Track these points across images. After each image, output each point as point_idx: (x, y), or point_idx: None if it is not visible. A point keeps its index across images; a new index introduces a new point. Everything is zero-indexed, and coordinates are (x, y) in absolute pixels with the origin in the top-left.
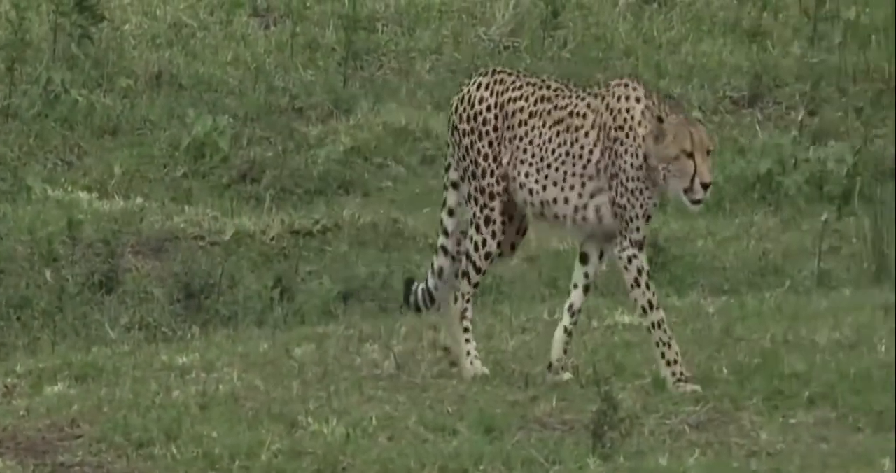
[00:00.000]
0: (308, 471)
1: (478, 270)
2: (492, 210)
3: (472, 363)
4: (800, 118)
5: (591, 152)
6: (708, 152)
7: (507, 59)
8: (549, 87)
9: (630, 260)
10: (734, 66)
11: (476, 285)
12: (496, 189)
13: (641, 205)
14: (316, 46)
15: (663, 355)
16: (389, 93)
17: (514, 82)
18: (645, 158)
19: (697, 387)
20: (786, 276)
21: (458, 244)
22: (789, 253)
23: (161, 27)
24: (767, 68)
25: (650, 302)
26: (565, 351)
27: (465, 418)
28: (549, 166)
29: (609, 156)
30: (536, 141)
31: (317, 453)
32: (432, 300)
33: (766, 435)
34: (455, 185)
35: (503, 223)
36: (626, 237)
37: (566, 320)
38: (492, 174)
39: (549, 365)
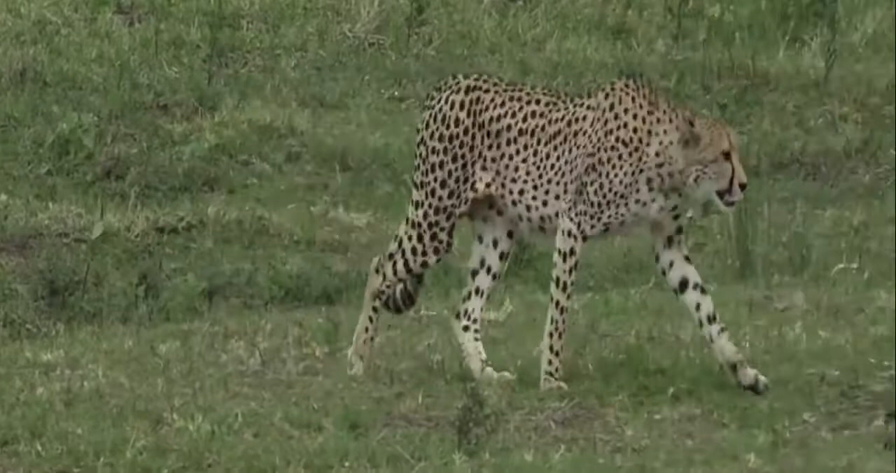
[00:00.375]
0: (173, 468)
1: (408, 271)
2: (441, 229)
3: (365, 343)
4: None
5: (584, 147)
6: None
7: (372, 56)
8: (538, 102)
9: (570, 234)
10: (599, 62)
11: (400, 280)
12: (458, 210)
13: (611, 216)
14: (180, 43)
15: (551, 336)
16: (254, 90)
17: (493, 99)
18: (658, 168)
19: (563, 385)
20: (650, 273)
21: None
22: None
23: (25, 24)
24: (632, 65)
25: (565, 284)
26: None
27: (331, 414)
28: (549, 181)
29: (598, 151)
30: (531, 159)
31: (182, 450)
32: (412, 301)
33: (632, 431)
34: None
35: (449, 245)
36: (578, 215)
37: (715, 329)
38: (458, 196)
39: (733, 367)
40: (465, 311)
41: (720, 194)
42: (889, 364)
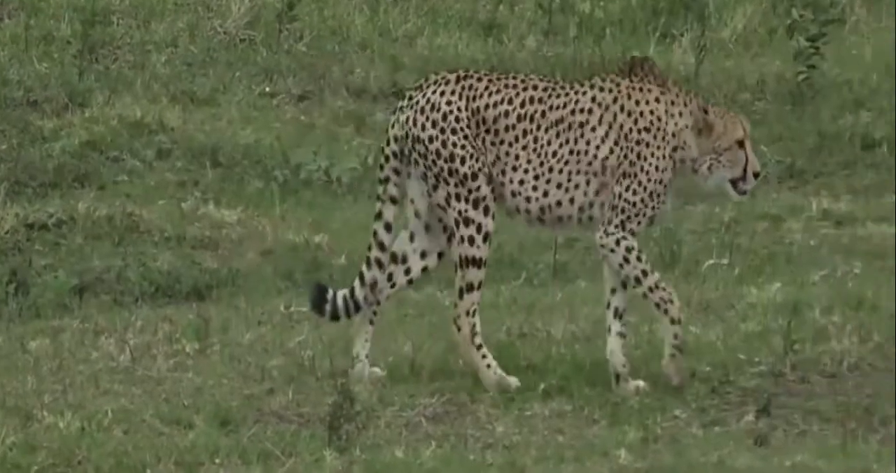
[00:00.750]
0: (43, 465)
1: (479, 265)
2: (478, 190)
3: (495, 373)
4: None
5: (597, 148)
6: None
7: (243, 52)
8: (535, 88)
9: (618, 242)
10: (470, 59)
11: (479, 287)
12: (477, 168)
13: (653, 208)
14: (51, 39)
15: (667, 312)
16: (125, 86)
17: (487, 87)
18: (673, 156)
19: (680, 370)
20: (522, 269)
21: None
22: (525, 246)
23: None
24: (503, 61)
25: (643, 272)
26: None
27: (201, 411)
28: (550, 169)
29: (626, 156)
30: (532, 145)
31: (52, 446)
32: (357, 309)
33: (502, 428)
34: (393, 200)
35: (493, 200)
36: (617, 225)
37: (616, 327)
38: (471, 157)
39: (617, 377)
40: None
41: (733, 183)
42: (759, 360)
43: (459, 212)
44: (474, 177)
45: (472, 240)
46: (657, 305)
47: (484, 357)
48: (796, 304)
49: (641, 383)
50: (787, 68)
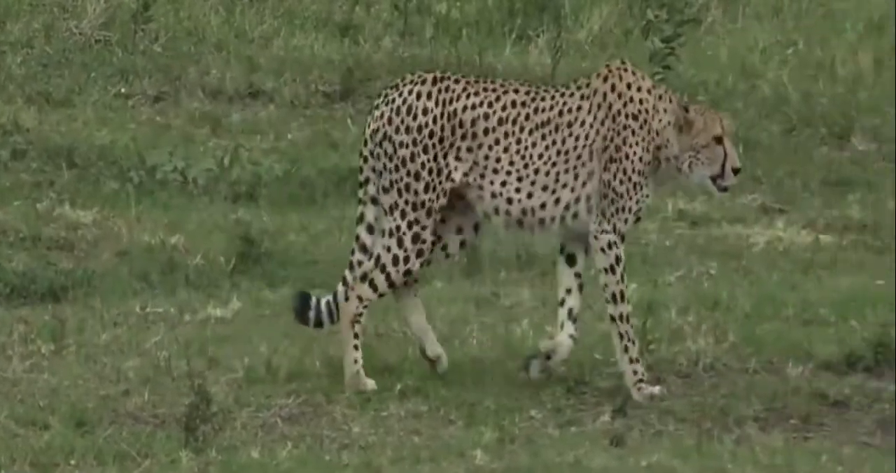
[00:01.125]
0: None
1: (391, 284)
2: (423, 228)
3: (358, 373)
4: None
5: (586, 136)
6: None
7: (98, 52)
8: (517, 91)
9: (610, 246)
10: (326, 59)
11: (381, 296)
12: (436, 204)
13: (637, 201)
14: None
15: (626, 350)
16: None
17: (465, 89)
18: (657, 151)
19: (656, 390)
20: None
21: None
22: None
23: None
24: (360, 62)
25: (621, 293)
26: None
27: (57, 412)
28: (536, 171)
29: (612, 139)
30: (514, 147)
31: None
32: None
33: (359, 428)
34: (374, 201)
35: (432, 245)
36: (610, 222)
37: (569, 328)
38: (434, 189)
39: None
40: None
41: (713, 179)
42: (615, 360)
43: (398, 228)
44: (429, 213)
45: (395, 261)
46: (620, 336)
47: (356, 348)
48: (652, 304)
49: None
50: (643, 69)
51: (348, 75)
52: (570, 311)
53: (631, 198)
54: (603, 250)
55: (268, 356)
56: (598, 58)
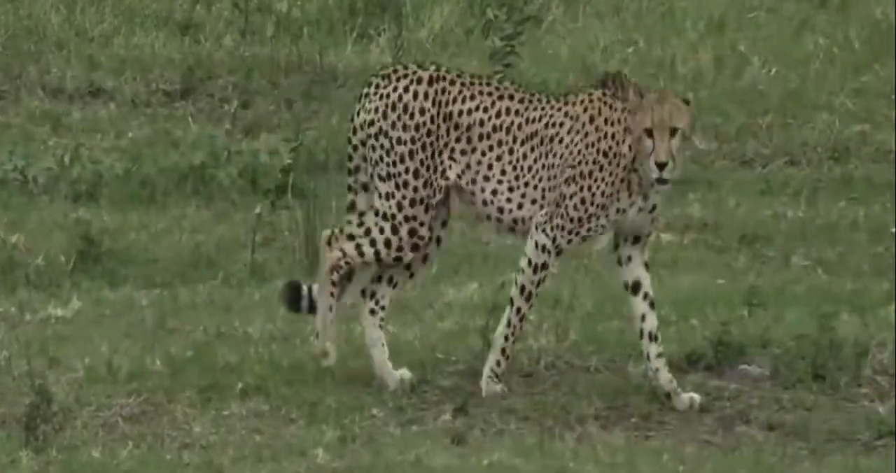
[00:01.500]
0: None
1: (378, 259)
2: (421, 224)
3: (332, 323)
4: (233, 111)
5: (561, 156)
6: (674, 131)
7: None
8: (511, 98)
9: (542, 249)
10: (167, 58)
11: (363, 264)
12: (433, 200)
13: (589, 229)
14: None
15: (506, 339)
16: None
17: (461, 91)
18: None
19: (504, 389)
20: (219, 268)
21: None
22: (222, 246)
23: None
24: (200, 61)
25: (529, 293)
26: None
27: None
28: (526, 184)
29: (581, 164)
30: (507, 157)
31: None
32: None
33: (200, 428)
34: (365, 188)
35: (428, 240)
36: (553, 230)
37: (653, 350)
38: (431, 185)
39: (667, 395)
40: (373, 293)
41: (650, 171)
42: (456, 359)
43: (394, 216)
44: (426, 209)
45: (388, 244)
46: (507, 324)
47: (332, 295)
48: (493, 304)
49: (695, 396)
50: (484, 68)
51: (189, 74)
52: (650, 334)
53: (582, 226)
54: (538, 247)
55: (108, 355)
56: (439, 56)
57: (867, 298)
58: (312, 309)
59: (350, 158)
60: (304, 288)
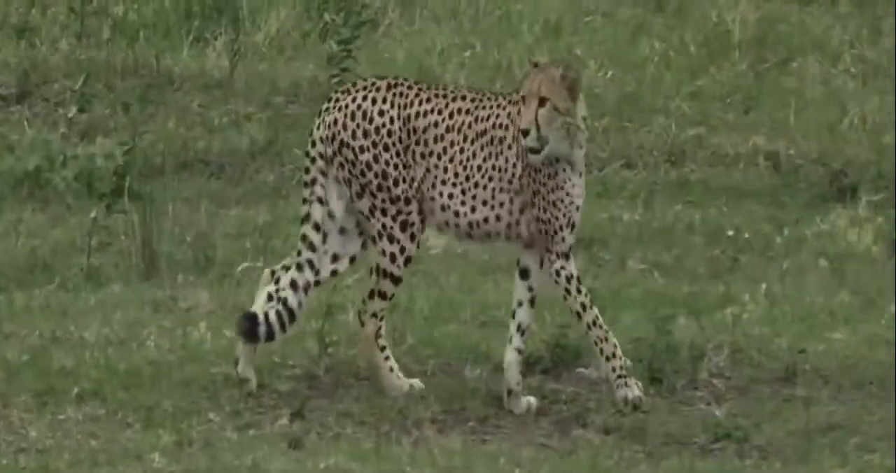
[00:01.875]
0: None
1: (396, 281)
2: (408, 214)
3: (399, 377)
4: (69, 115)
5: (514, 166)
6: (543, 101)
7: None
8: (464, 98)
9: (559, 273)
10: (2, 62)
11: (391, 298)
12: (410, 193)
13: (564, 215)
14: None
15: (602, 351)
16: None
17: (418, 95)
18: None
19: (637, 387)
20: (55, 273)
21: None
22: (58, 250)
23: None
24: (36, 65)
25: (583, 305)
26: (522, 374)
27: None
28: (476, 185)
29: (528, 171)
30: (458, 157)
31: None
32: (292, 318)
33: (35, 432)
34: (321, 201)
35: (421, 224)
36: (551, 251)
37: (517, 341)
38: (404, 180)
39: (509, 392)
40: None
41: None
42: (293, 363)
43: (384, 226)
44: (407, 201)
45: (393, 258)
46: (595, 342)
47: (387, 359)
48: (330, 307)
49: (532, 399)
50: (321, 71)
51: (25, 78)
52: (518, 325)
53: (557, 219)
54: (556, 281)
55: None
56: (276, 60)
57: (703, 301)
58: (270, 336)
59: (307, 171)
60: (261, 315)
